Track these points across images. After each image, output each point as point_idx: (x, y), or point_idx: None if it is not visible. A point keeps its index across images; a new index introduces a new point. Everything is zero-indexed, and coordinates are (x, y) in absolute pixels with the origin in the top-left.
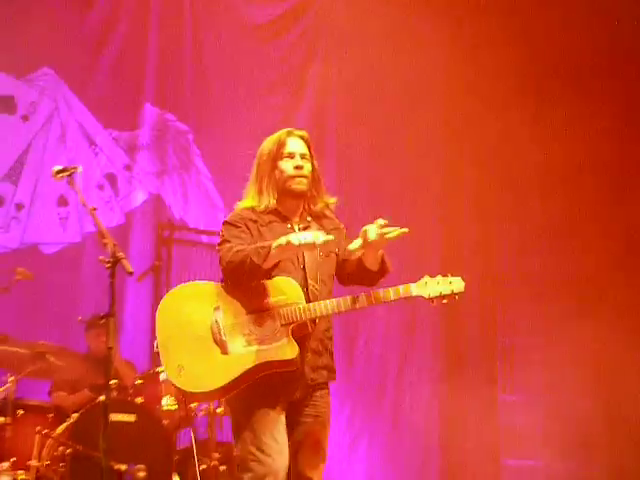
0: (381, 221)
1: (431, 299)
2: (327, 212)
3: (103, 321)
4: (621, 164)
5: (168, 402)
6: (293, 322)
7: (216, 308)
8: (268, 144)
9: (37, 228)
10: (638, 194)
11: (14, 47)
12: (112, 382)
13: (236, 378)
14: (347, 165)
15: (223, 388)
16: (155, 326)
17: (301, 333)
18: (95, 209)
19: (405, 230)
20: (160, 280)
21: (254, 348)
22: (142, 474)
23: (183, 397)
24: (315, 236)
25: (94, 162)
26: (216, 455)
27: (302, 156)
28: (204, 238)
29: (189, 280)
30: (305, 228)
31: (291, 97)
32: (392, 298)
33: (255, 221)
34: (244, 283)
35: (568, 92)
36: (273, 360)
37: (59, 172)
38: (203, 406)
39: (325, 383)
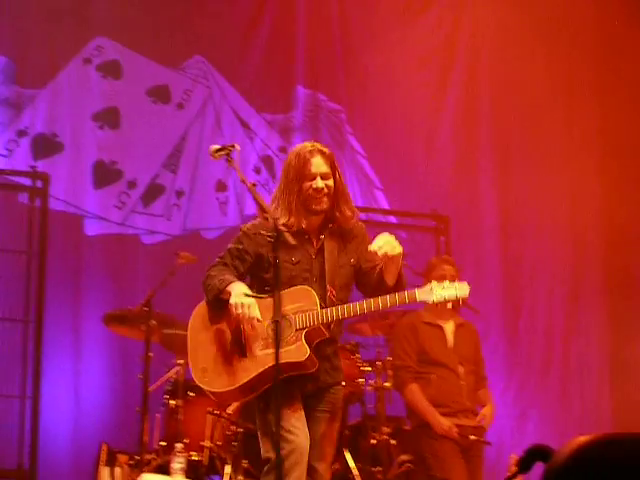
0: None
1: (435, 304)
2: (346, 223)
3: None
4: None
5: None
6: (306, 327)
7: None
8: (295, 159)
9: (198, 214)
10: None
11: (166, 37)
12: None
13: (252, 378)
14: (502, 139)
15: (242, 387)
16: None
17: (317, 338)
18: (255, 185)
19: None
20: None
21: (269, 351)
22: None
23: (214, 397)
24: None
25: (250, 146)
26: (386, 429)
27: (322, 176)
28: (362, 215)
29: None
30: (325, 241)
31: (441, 71)
32: (397, 303)
33: (272, 236)
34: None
35: None
36: (285, 361)
37: (217, 150)
38: (370, 381)
39: (337, 382)
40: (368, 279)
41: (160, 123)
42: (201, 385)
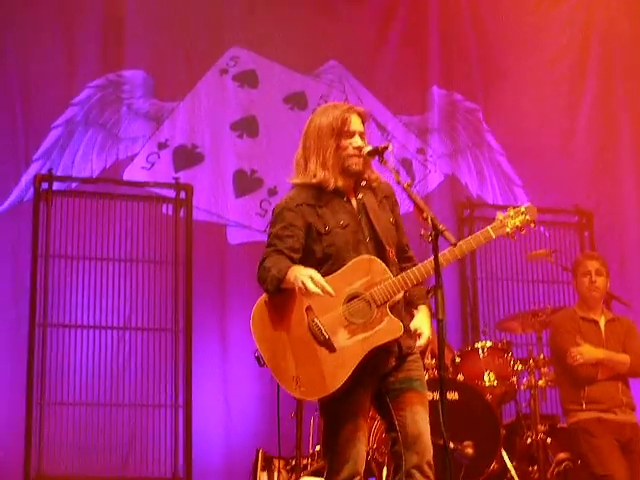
0: None
1: (511, 235)
2: (376, 183)
3: (431, 294)
4: None
5: (490, 377)
6: (388, 300)
7: (307, 309)
8: (327, 117)
9: None
10: None
11: (299, 44)
12: (431, 362)
13: (353, 371)
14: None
15: (344, 385)
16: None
17: (398, 305)
18: (410, 185)
19: None
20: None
21: (360, 337)
22: (470, 450)
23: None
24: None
25: None
26: (541, 427)
27: (361, 135)
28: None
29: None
30: (363, 200)
31: (575, 67)
32: (475, 247)
33: (313, 205)
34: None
35: None
36: (384, 342)
37: (371, 152)
38: (524, 380)
39: (414, 349)
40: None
41: (298, 130)
42: (297, 397)
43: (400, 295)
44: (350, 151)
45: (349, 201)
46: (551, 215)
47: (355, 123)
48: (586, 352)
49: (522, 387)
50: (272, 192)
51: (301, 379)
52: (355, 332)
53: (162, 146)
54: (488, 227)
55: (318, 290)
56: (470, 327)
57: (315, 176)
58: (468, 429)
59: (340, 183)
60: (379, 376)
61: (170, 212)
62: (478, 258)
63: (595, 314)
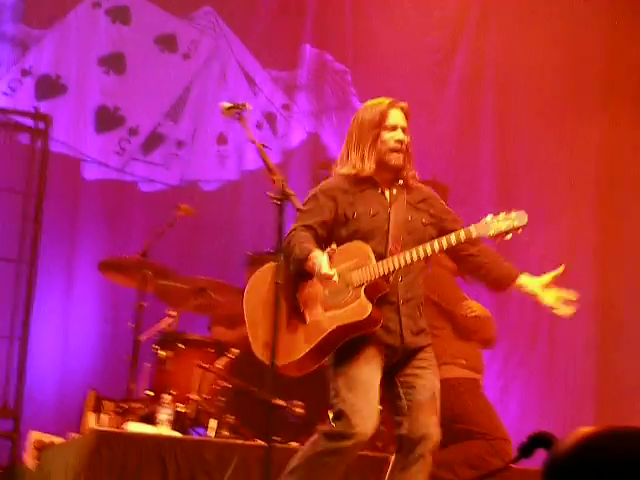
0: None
1: (493, 237)
2: (413, 182)
3: (270, 257)
4: None
5: None
6: (364, 283)
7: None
8: (370, 112)
9: (197, 165)
10: None
11: None
12: None
13: (317, 344)
14: (504, 112)
15: (308, 355)
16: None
17: (378, 293)
18: (264, 146)
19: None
20: None
21: (331, 313)
22: (300, 410)
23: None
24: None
25: (253, 101)
26: None
27: (403, 129)
28: None
29: None
30: (395, 195)
31: (449, 39)
32: (454, 243)
33: (346, 191)
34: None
35: None
36: (347, 323)
37: (230, 108)
38: None
39: (427, 345)
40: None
41: (165, 72)
42: (265, 361)
43: (386, 287)
44: (391, 145)
45: (383, 193)
46: None
47: (396, 117)
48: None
49: None
50: (133, 132)
51: (270, 345)
52: (328, 308)
53: (25, 73)
54: (472, 225)
55: (331, 274)
56: None
57: (354, 167)
58: (300, 389)
59: (378, 176)
60: (386, 368)
61: (26, 141)
62: None
63: None
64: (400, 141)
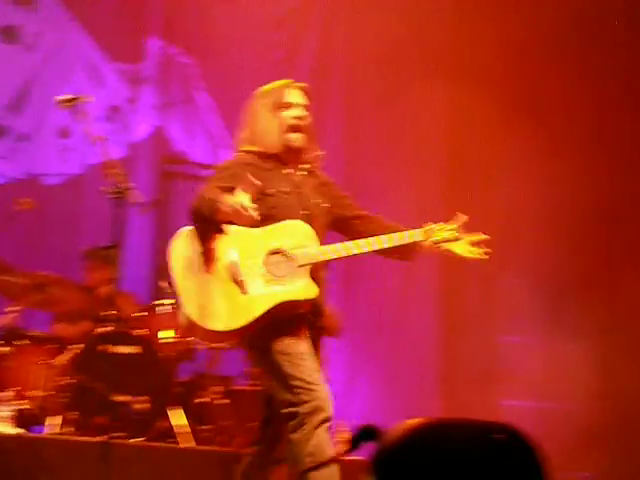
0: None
1: (436, 243)
2: (315, 168)
3: (106, 252)
4: None
5: (168, 334)
6: (310, 263)
7: (232, 250)
8: (266, 92)
9: (39, 159)
10: None
11: None
12: (111, 313)
13: (257, 317)
14: (352, 109)
15: (245, 327)
16: (168, 263)
17: (317, 274)
18: (102, 139)
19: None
20: (161, 213)
21: (274, 288)
22: (141, 405)
23: (207, 338)
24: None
25: (99, 94)
26: (216, 389)
27: (302, 107)
28: (207, 173)
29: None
30: (303, 178)
31: (295, 34)
32: (397, 244)
33: (257, 166)
34: (200, 232)
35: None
36: (295, 300)
37: (65, 101)
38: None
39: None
40: (355, 228)
41: (7, 63)
42: (200, 323)
43: (325, 271)
44: (290, 122)
45: (291, 174)
46: None
47: (294, 95)
48: None
49: (201, 347)
50: None
51: (207, 309)
52: (270, 283)
53: None
54: (417, 230)
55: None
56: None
57: (259, 144)
58: (143, 384)
59: (282, 155)
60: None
61: None
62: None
63: None
64: (298, 117)
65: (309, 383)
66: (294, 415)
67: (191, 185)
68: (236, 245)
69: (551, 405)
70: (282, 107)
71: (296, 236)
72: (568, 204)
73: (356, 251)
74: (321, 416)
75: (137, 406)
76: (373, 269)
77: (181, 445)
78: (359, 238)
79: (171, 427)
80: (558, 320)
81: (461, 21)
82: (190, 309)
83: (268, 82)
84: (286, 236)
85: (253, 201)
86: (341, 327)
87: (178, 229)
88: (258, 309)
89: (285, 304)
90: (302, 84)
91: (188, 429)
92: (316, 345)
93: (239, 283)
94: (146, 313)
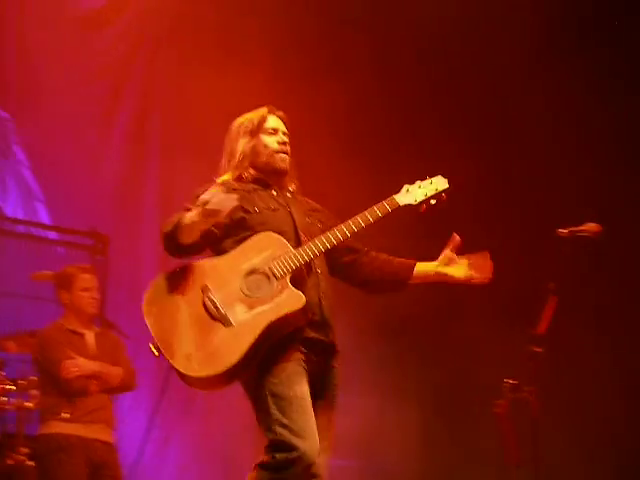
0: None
1: (420, 204)
2: (301, 196)
3: None
4: None
5: None
6: (288, 272)
7: (203, 288)
8: (247, 119)
9: None
10: None
11: None
12: None
13: (252, 345)
14: (170, 157)
15: (242, 360)
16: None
17: (303, 282)
18: None
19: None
20: None
21: (259, 310)
22: None
23: (202, 386)
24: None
25: None
26: (24, 450)
27: (284, 134)
28: (21, 228)
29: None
30: (290, 198)
31: (113, 90)
32: (381, 215)
33: (237, 190)
34: (174, 253)
35: None
36: (280, 315)
37: None
38: (12, 400)
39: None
40: (340, 262)
41: None
42: (190, 374)
43: (306, 276)
44: (275, 147)
45: (278, 195)
46: (70, 235)
47: (276, 122)
48: (82, 364)
49: (9, 407)
50: None
51: (194, 355)
52: (253, 305)
53: None
54: (394, 195)
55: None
56: None
57: (240, 170)
58: None
59: (266, 179)
60: (309, 370)
61: None
62: None
63: (84, 327)
64: (284, 142)
65: (293, 433)
66: (269, 464)
67: (5, 240)
68: (206, 282)
69: (371, 464)
70: (266, 132)
71: (267, 249)
72: None
73: (334, 240)
74: (301, 469)
75: None
76: None
77: None
78: (354, 275)
79: None
80: (377, 380)
81: None
82: (178, 363)
83: (86, 135)
84: (256, 253)
85: (236, 224)
86: (133, 381)
87: None
88: (248, 337)
89: (275, 323)
90: (281, 112)
91: None
92: (325, 370)
93: (220, 318)
94: None
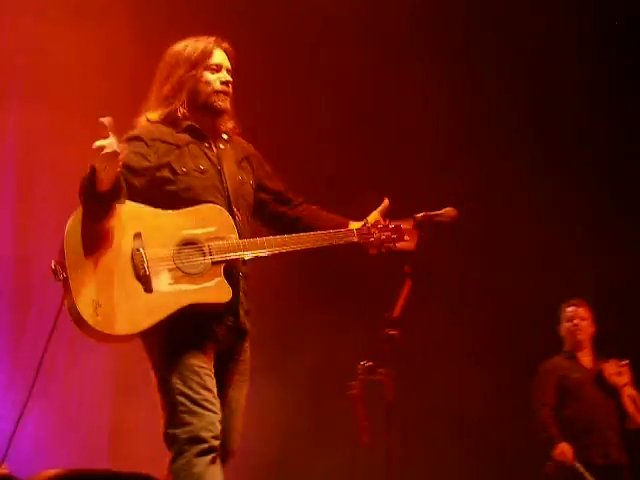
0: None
1: (373, 240)
2: (234, 135)
3: None
4: None
5: None
6: (225, 260)
7: (137, 235)
8: (189, 48)
9: None
10: None
11: None
12: None
13: (163, 319)
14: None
15: (144, 331)
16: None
17: (232, 270)
18: None
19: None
20: None
21: (182, 287)
22: None
23: (97, 337)
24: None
25: None
26: None
27: (228, 71)
28: None
29: None
30: (223, 151)
31: None
32: (334, 244)
33: (171, 144)
34: (89, 210)
35: None
36: (204, 302)
37: None
38: None
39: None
40: (268, 210)
41: None
42: (91, 324)
43: (240, 268)
44: (217, 86)
45: (210, 147)
46: None
47: (221, 57)
48: None
49: None
50: None
51: (102, 306)
52: (179, 280)
53: None
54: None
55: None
56: None
57: (168, 108)
58: None
59: (199, 123)
60: (217, 350)
61: None
62: None
63: None
64: (227, 82)
65: (194, 403)
66: (173, 439)
67: None
68: (141, 229)
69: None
70: (209, 69)
71: (213, 224)
72: None
73: (284, 250)
74: (202, 446)
75: None
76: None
77: None
78: (280, 224)
79: None
80: None
81: None
82: (82, 306)
83: None
84: (201, 224)
85: (163, 180)
86: None
87: None
88: (162, 311)
89: (194, 306)
90: (227, 45)
91: None
92: (236, 350)
93: (143, 278)
94: None
